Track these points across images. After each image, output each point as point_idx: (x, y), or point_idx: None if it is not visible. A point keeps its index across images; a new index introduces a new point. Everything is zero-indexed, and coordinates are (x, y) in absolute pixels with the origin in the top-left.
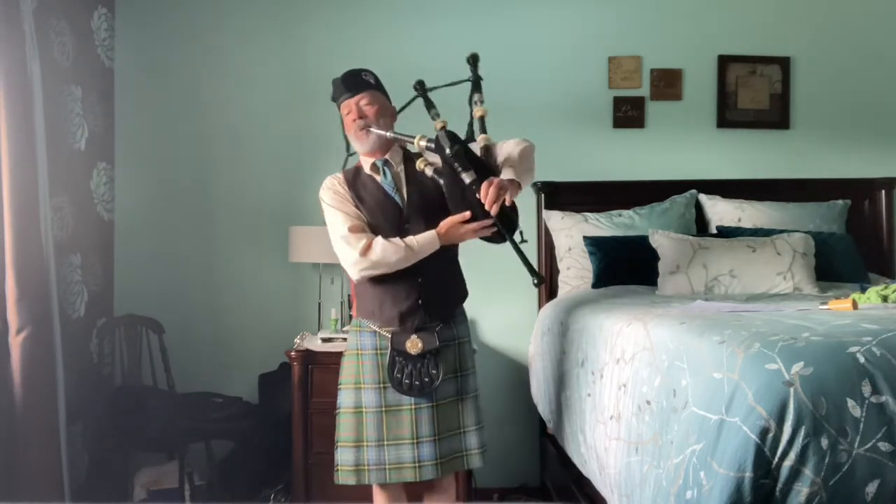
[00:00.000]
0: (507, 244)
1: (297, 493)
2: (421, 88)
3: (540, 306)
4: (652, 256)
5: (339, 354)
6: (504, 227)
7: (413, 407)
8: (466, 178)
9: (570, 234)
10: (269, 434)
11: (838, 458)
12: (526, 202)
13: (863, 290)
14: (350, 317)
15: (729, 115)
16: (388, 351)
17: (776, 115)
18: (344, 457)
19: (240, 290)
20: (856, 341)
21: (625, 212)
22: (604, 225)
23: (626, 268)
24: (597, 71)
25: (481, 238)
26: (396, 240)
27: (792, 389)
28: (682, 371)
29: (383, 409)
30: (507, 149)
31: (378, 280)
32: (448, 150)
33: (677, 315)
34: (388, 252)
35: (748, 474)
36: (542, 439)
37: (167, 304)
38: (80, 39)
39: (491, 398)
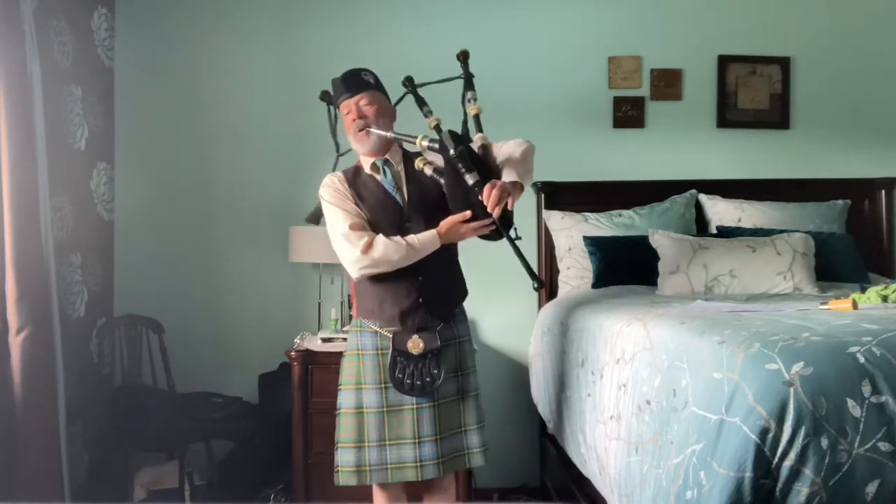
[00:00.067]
0: (505, 242)
1: (297, 493)
2: (410, 85)
3: (540, 306)
4: (652, 256)
5: (339, 354)
6: (503, 227)
7: (415, 407)
8: (470, 178)
9: (570, 234)
10: (269, 434)
11: (838, 458)
12: (526, 202)
13: (863, 290)
14: (350, 317)
15: (729, 115)
16: (390, 351)
17: (776, 115)
18: (345, 458)
19: (240, 290)
20: (856, 341)
21: (625, 212)
22: (604, 225)
23: (626, 268)
24: (597, 71)
25: (478, 236)
26: (398, 238)
27: (792, 389)
28: (682, 371)
29: (385, 409)
30: (508, 149)
31: (378, 278)
32: (452, 151)
33: (677, 315)
34: (389, 250)
35: (748, 474)
36: (542, 439)
37: (167, 304)
38: (80, 39)
39: (491, 398)
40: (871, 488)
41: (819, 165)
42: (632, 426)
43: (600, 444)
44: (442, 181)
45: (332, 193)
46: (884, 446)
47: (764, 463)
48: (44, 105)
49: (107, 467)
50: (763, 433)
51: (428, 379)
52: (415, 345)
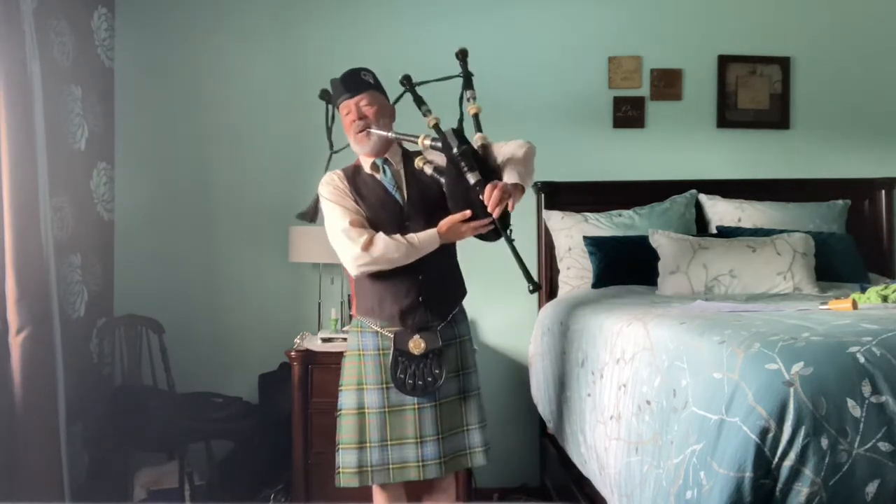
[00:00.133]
0: (502, 242)
1: (297, 493)
2: (408, 83)
3: (540, 306)
4: (652, 256)
5: (340, 354)
6: (502, 227)
7: (416, 407)
8: (471, 178)
9: (570, 234)
10: (269, 434)
11: (838, 458)
12: (526, 202)
13: (863, 290)
14: (350, 317)
15: (729, 115)
16: (391, 351)
17: (776, 115)
18: (346, 459)
19: (240, 290)
20: (856, 341)
21: (625, 212)
22: (604, 225)
23: (626, 268)
24: (597, 71)
25: (476, 235)
26: (398, 236)
27: (792, 389)
28: (682, 371)
29: (386, 409)
30: (509, 150)
31: (378, 277)
32: (455, 150)
33: (677, 315)
34: (390, 248)
35: (748, 474)
36: (542, 439)
37: (167, 304)
38: (80, 39)
39: (491, 398)
40: (871, 488)
41: (819, 165)
42: (632, 426)
43: (600, 444)
44: (442, 180)
45: (331, 191)
46: (884, 446)
47: (764, 463)
48: (44, 105)
49: (107, 467)
50: (763, 433)
51: (430, 379)
52: (416, 345)
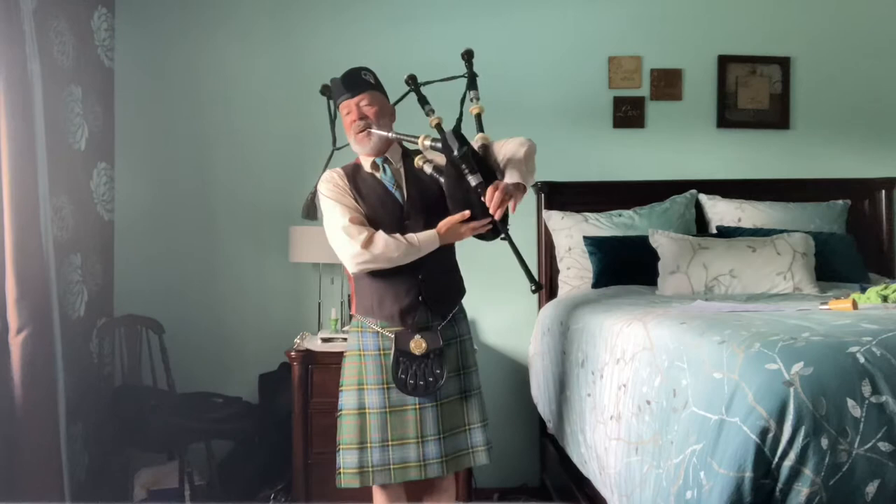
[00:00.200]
0: (502, 242)
1: (297, 493)
2: (413, 83)
3: (540, 306)
4: (652, 256)
5: (340, 354)
6: (502, 227)
7: (417, 407)
8: (473, 180)
9: (570, 234)
10: (269, 434)
11: (838, 458)
12: (526, 202)
13: (863, 290)
14: (350, 317)
15: (729, 115)
16: (392, 351)
17: (776, 115)
18: (347, 459)
19: (240, 290)
20: (856, 341)
21: (625, 212)
22: (604, 225)
23: (626, 268)
24: (597, 71)
25: (474, 235)
26: (398, 236)
27: (792, 389)
28: (682, 371)
29: (387, 409)
30: (510, 149)
31: (378, 276)
32: (456, 152)
33: (677, 315)
34: (390, 247)
35: (748, 474)
36: (542, 439)
37: (167, 304)
38: (80, 39)
39: (491, 398)
40: (871, 488)
41: (819, 165)
42: (632, 426)
43: (600, 444)
44: (441, 180)
45: (331, 188)
46: (884, 446)
47: (764, 463)
48: (44, 105)
49: (107, 467)
50: (763, 433)
51: (431, 379)
52: (417, 345)
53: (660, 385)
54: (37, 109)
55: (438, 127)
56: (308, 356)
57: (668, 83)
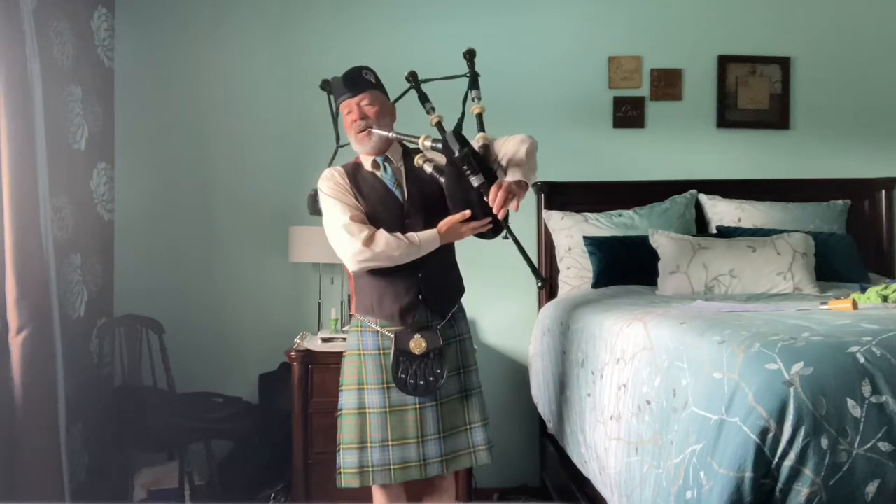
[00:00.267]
0: (504, 243)
1: (297, 493)
2: (414, 80)
3: (540, 306)
4: (652, 256)
5: (340, 354)
6: (503, 226)
7: (417, 406)
8: (475, 180)
9: (570, 234)
10: (269, 434)
11: (838, 458)
12: (526, 202)
13: (863, 290)
14: (350, 316)
15: (729, 115)
16: (392, 351)
17: (776, 115)
18: (347, 459)
19: (240, 290)
20: (856, 341)
21: (625, 212)
22: (604, 225)
23: (626, 268)
24: (597, 71)
25: (474, 234)
26: (399, 234)
27: (792, 389)
28: (682, 371)
29: (388, 409)
30: (510, 147)
31: (378, 274)
32: (457, 153)
33: (677, 315)
34: (391, 245)
35: (748, 474)
36: (542, 439)
37: (167, 304)
38: (80, 39)
39: (491, 398)
40: (871, 488)
41: (819, 165)
42: (632, 426)
43: (600, 444)
44: (441, 180)
45: (331, 186)
46: (884, 446)
47: (764, 463)
48: (44, 105)
49: (107, 467)
50: (763, 433)
51: (431, 378)
52: (417, 344)
53: (660, 385)
54: (37, 109)
55: (439, 126)
56: (308, 356)
57: (668, 83)
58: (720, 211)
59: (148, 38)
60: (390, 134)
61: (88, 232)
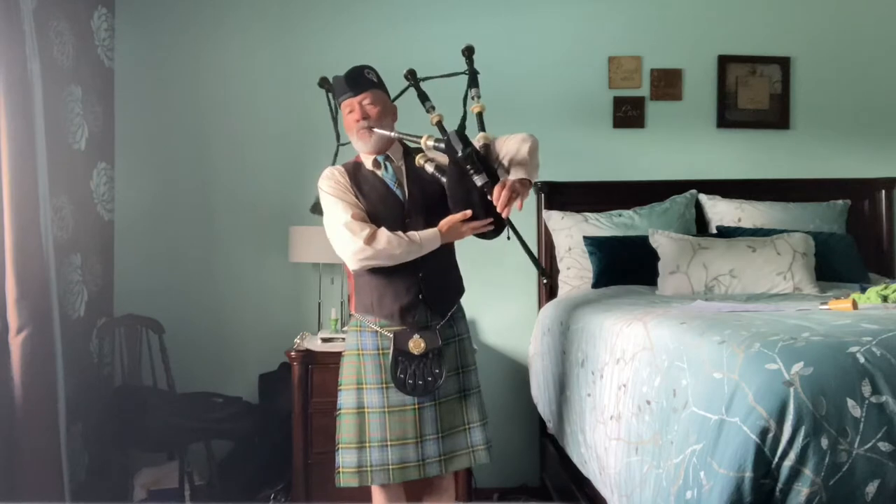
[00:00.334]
0: (505, 242)
1: (297, 493)
2: (412, 78)
3: (540, 306)
4: (652, 256)
5: (340, 354)
6: (502, 225)
7: (416, 406)
8: (478, 180)
9: (570, 234)
10: (269, 434)
11: (838, 458)
12: (526, 202)
13: (863, 290)
14: (350, 316)
15: (729, 115)
16: (391, 351)
17: (776, 115)
18: (346, 459)
19: (240, 290)
20: (856, 341)
21: (625, 212)
22: (604, 225)
23: (626, 268)
24: (597, 71)
25: (475, 234)
26: (400, 233)
27: (792, 389)
28: (682, 371)
29: (386, 409)
30: (512, 146)
31: (378, 273)
32: (460, 153)
33: (677, 315)
34: (392, 243)
35: (748, 474)
36: (542, 439)
37: (167, 304)
38: (80, 39)
39: (491, 398)
40: (871, 488)
41: (819, 165)
42: (632, 426)
43: (600, 444)
44: (443, 179)
45: (332, 185)
46: (884, 446)
47: (764, 463)
48: (44, 105)
49: (107, 467)
50: (763, 433)
51: (430, 378)
52: (416, 344)
53: (660, 385)
54: (37, 109)
55: (439, 125)
56: (308, 356)
57: (668, 83)
58: (720, 211)
59: (148, 38)
60: (392, 133)
61: (88, 232)
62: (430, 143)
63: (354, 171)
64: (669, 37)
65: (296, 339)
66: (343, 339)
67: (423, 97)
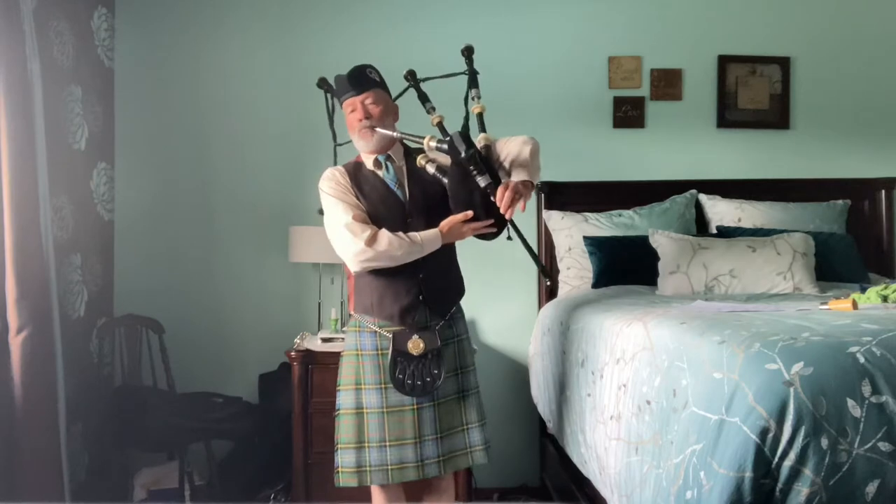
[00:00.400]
0: (505, 242)
1: (297, 493)
2: (412, 78)
3: (540, 306)
4: (652, 256)
5: (339, 354)
6: (503, 225)
7: (415, 407)
8: (482, 181)
9: (570, 234)
10: (269, 434)
11: (838, 458)
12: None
13: (863, 290)
14: (350, 316)
15: (729, 115)
16: (390, 351)
17: (776, 115)
18: (345, 459)
19: (240, 290)
20: (856, 341)
21: (625, 212)
22: (604, 225)
23: (626, 268)
24: (597, 71)
25: (475, 235)
26: (401, 234)
27: (792, 389)
28: (682, 371)
29: (385, 409)
30: (514, 147)
31: (378, 274)
32: (463, 154)
33: (677, 315)
34: (393, 245)
35: (748, 474)
36: (542, 439)
37: (167, 304)
38: (80, 39)
39: (491, 398)
40: (871, 488)
41: (819, 165)
42: (632, 426)
43: (600, 444)
44: (445, 180)
45: (332, 186)
46: (884, 446)
47: (764, 463)
48: (44, 105)
49: (107, 467)
50: (763, 433)
51: (428, 379)
52: (415, 345)
53: (660, 385)
54: (37, 109)
55: (440, 126)
56: (308, 356)
57: (668, 83)
58: (720, 211)
59: (148, 38)
60: (395, 133)
61: (88, 232)
62: (433, 143)
63: (355, 172)
64: (669, 37)
65: (296, 339)
66: (343, 339)
67: (424, 98)
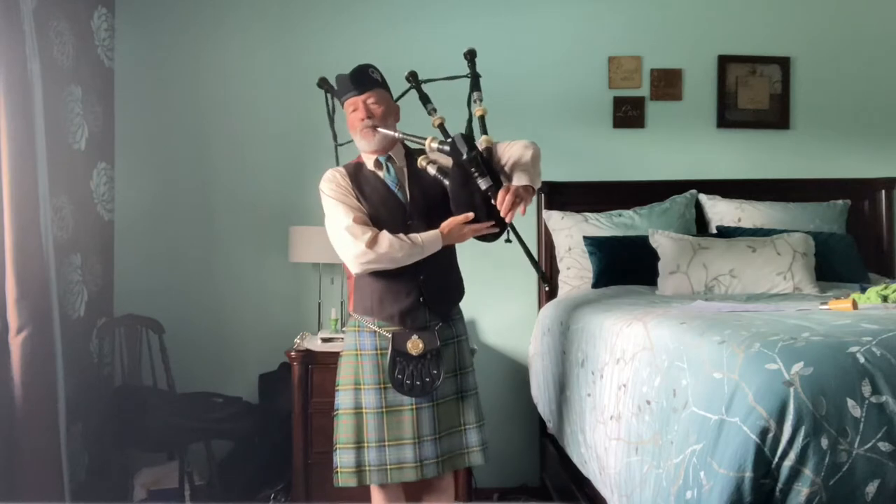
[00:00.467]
0: (505, 244)
1: (297, 493)
2: (414, 80)
3: (540, 306)
4: (652, 256)
5: (339, 354)
6: (504, 228)
7: (414, 407)
8: (483, 183)
9: (570, 234)
10: (269, 434)
11: (838, 458)
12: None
13: (863, 290)
14: (349, 316)
15: (729, 115)
16: (389, 351)
17: (776, 115)
18: (344, 459)
19: (240, 290)
20: (856, 341)
21: (625, 212)
22: (604, 225)
23: (626, 268)
24: (597, 71)
25: (476, 237)
26: (402, 235)
27: (792, 389)
28: (682, 371)
29: (384, 409)
30: (515, 152)
31: (378, 276)
32: (465, 156)
33: (677, 315)
34: (394, 247)
35: (748, 474)
36: (542, 439)
37: (167, 304)
38: (80, 39)
39: (491, 398)
40: (871, 488)
41: (819, 165)
42: (632, 426)
43: (600, 444)
44: (446, 182)
45: (333, 188)
46: (884, 446)
47: (764, 463)
48: (44, 105)
49: (107, 467)
50: (763, 433)
51: (427, 379)
52: (414, 345)
53: (660, 385)
54: (37, 109)
55: (441, 127)
56: (308, 356)
57: (668, 83)
58: (720, 211)
59: (148, 38)
60: (396, 134)
61: (88, 232)
62: (435, 144)
63: (356, 173)
64: (669, 37)
65: (296, 339)
66: (343, 339)
67: (425, 99)
